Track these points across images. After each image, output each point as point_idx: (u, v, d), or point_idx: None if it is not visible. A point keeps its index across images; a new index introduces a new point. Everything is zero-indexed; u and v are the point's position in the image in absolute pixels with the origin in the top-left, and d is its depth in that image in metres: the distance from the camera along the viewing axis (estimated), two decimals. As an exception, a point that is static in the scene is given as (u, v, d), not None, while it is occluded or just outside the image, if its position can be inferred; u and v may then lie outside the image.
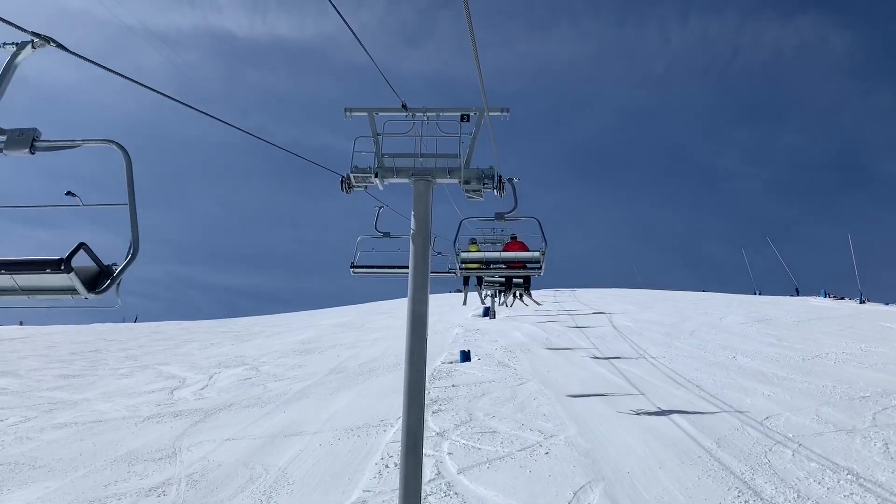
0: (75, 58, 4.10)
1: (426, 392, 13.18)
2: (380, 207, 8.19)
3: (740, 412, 10.30)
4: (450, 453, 8.83)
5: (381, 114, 6.40)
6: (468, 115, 6.18)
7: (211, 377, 18.50)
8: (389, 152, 6.31)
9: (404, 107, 6.19)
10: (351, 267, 8.89)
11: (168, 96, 5.01)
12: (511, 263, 8.65)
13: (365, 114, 6.38)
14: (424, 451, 8.98)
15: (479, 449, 8.96)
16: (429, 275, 5.87)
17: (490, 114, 6.10)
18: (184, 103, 5.13)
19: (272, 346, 25.68)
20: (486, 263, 8.94)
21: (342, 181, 6.36)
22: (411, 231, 5.88)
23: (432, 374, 14.84)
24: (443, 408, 11.54)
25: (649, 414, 10.48)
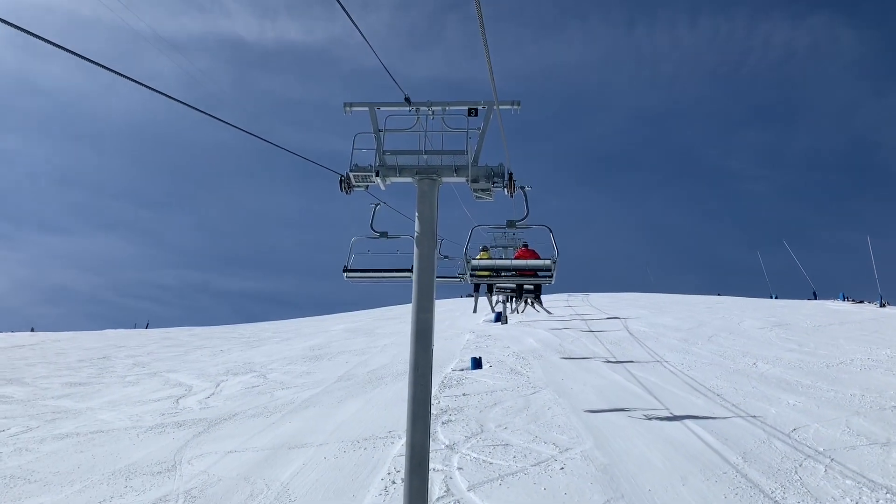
0: (88, 65, 3.96)
1: (436, 401, 12.80)
2: (376, 205, 7.53)
3: (765, 423, 9.80)
4: (460, 468, 8.40)
5: (382, 108, 5.98)
6: (476, 109, 5.75)
7: (218, 385, 18.17)
8: (392, 149, 5.89)
9: (407, 100, 5.77)
10: (344, 271, 8.00)
11: (179, 101, 4.81)
12: (522, 272, 8.26)
13: (366, 109, 5.96)
14: (433, 465, 8.57)
15: (491, 464, 8.52)
16: (435, 280, 5.45)
17: (500, 107, 5.67)
18: (194, 107, 4.93)
19: (281, 352, 25.36)
20: (497, 271, 8.56)
21: (341, 181, 5.95)
22: (415, 234, 5.46)
23: (442, 381, 14.43)
24: (453, 418, 11.12)
25: (669, 424, 9.99)
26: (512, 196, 5.90)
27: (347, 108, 6.01)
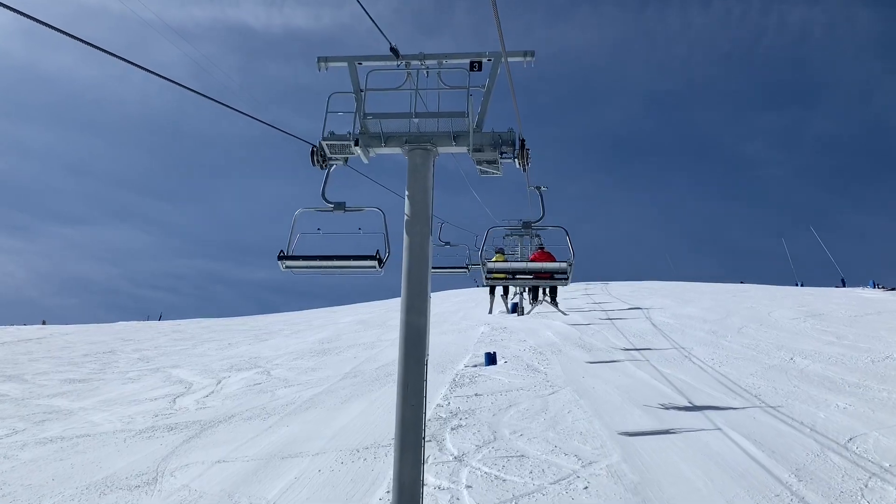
0: (97, 55, 3.54)
1: (446, 402, 11.77)
2: (331, 165, 5.55)
3: (815, 430, 8.67)
4: (469, 486, 7.37)
5: (364, 63, 4.89)
6: (479, 63, 4.65)
7: (219, 382, 17.30)
8: (376, 112, 4.80)
9: (395, 52, 4.67)
10: (280, 258, 5.65)
11: (190, 89, 4.58)
12: (537, 274, 7.71)
13: (344, 64, 4.89)
14: (439, 482, 7.55)
15: (505, 480, 7.48)
16: (430, 274, 4.40)
17: (509, 59, 4.56)
18: (206, 96, 4.62)
19: (289, 345, 24.49)
20: (513, 274, 7.88)
21: (313, 152, 4.89)
22: (405, 217, 4.41)
23: (454, 380, 13.43)
24: (463, 423, 10.10)
25: (706, 432, 8.90)
26: (525, 170, 4.82)
27: (322, 64, 4.92)
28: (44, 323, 42.80)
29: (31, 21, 3.54)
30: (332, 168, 5.34)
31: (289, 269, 5.84)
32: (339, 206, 5.52)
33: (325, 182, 5.58)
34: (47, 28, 3.74)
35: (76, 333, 34.65)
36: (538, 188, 9.92)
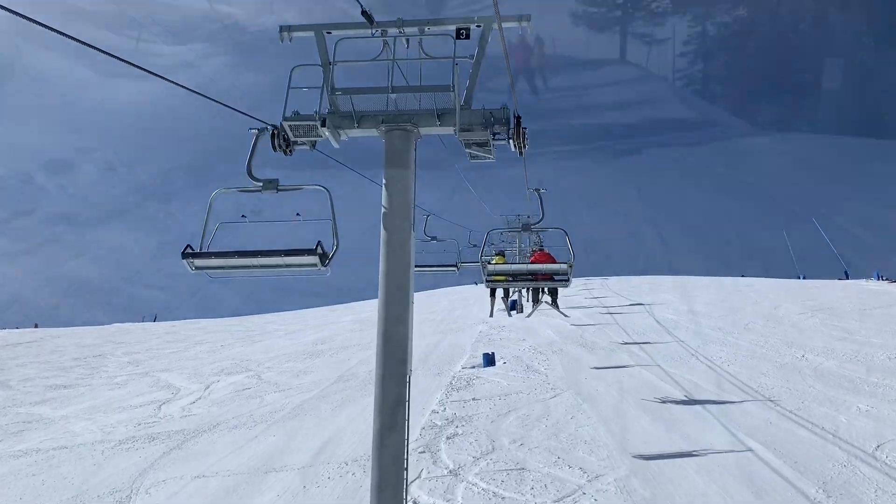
0: (89, 53, 3.12)
1: (442, 408, 11.16)
2: (258, 130, 4.25)
3: (838, 437, 8.06)
4: (464, 505, 6.75)
5: (334, 33, 4.23)
6: (467, 30, 3.98)
7: (208, 387, 16.66)
8: (347, 87, 4.14)
9: (369, 18, 3.98)
10: (186, 256, 4.17)
11: (183, 86, 4.48)
12: (538, 275, 7.50)
13: (311, 33, 4.23)
14: (432, 500, 6.93)
15: (504, 498, 6.86)
16: (412, 275, 3.77)
17: (504, 24, 3.91)
18: (200, 93, 4.44)
19: (282, 347, 23.86)
20: (513, 276, 7.59)
21: (274, 135, 4.22)
22: (383, 210, 3.77)
23: (451, 383, 12.82)
24: (460, 431, 9.49)
25: (721, 440, 8.28)
26: (521, 153, 4.17)
27: (286, 34, 4.26)
28: (36, 326, 42.16)
29: (25, 20, 3.47)
30: (260, 134, 4.30)
31: (200, 271, 4.35)
32: (271, 184, 4.20)
33: (252, 153, 4.24)
34: (41, 27, 3.64)
35: (68, 336, 33.97)
36: (537, 190, 9.44)
